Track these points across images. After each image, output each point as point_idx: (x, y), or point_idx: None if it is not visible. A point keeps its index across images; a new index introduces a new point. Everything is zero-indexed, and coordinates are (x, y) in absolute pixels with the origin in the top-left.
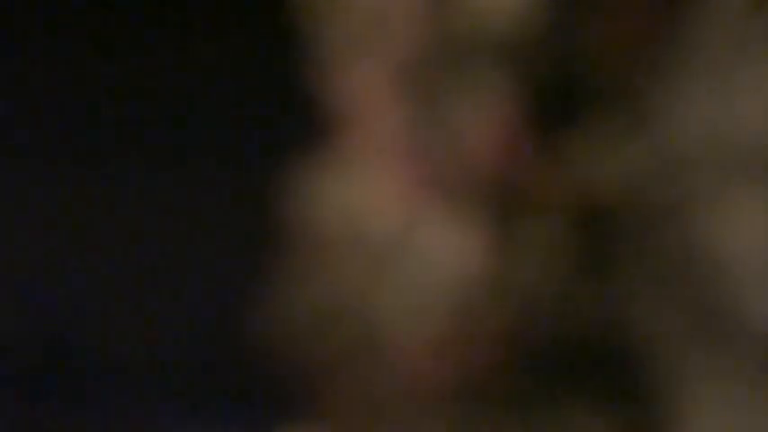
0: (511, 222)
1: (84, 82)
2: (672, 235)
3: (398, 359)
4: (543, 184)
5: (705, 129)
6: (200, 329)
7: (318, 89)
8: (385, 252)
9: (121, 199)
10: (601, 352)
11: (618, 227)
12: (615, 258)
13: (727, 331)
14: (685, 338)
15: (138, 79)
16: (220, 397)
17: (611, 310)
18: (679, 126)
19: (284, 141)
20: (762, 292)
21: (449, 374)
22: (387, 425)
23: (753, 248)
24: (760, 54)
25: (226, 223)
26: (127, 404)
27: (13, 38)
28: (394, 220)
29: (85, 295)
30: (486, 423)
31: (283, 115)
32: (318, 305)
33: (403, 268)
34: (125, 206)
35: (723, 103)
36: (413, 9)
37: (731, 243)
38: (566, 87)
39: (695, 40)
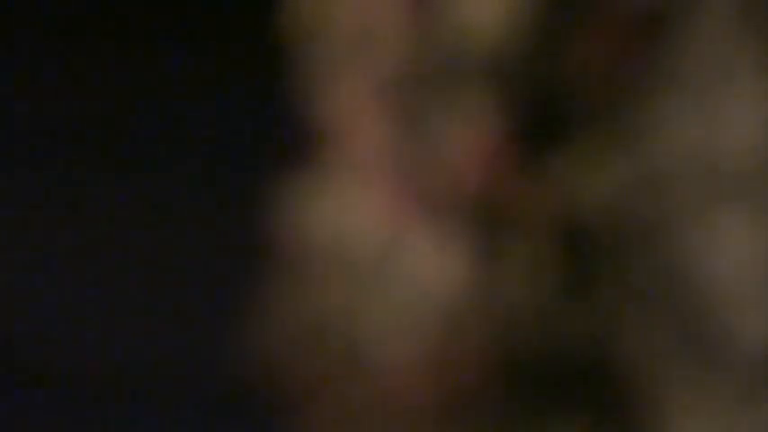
0: (495, 240)
1: (69, 95)
2: (655, 253)
3: (383, 376)
4: (527, 202)
5: (688, 147)
6: (183, 344)
7: (305, 106)
8: (370, 269)
9: (110, 209)
10: (585, 369)
11: (601, 244)
12: (599, 276)
13: (712, 348)
14: (670, 355)
15: (127, 94)
16: (204, 411)
17: (595, 328)
18: (662, 144)
19: (271, 158)
20: (746, 309)
21: (433, 392)
22: None
23: (737, 266)
24: (742, 73)
25: (211, 238)
26: (110, 416)
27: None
28: (379, 237)
29: (58, 306)
30: None
31: (270, 132)
32: (303, 321)
33: (388, 285)
34: (112, 215)
35: (706, 122)
36: (398, 27)
37: (715, 261)
38: (549, 105)
39: (678, 59)
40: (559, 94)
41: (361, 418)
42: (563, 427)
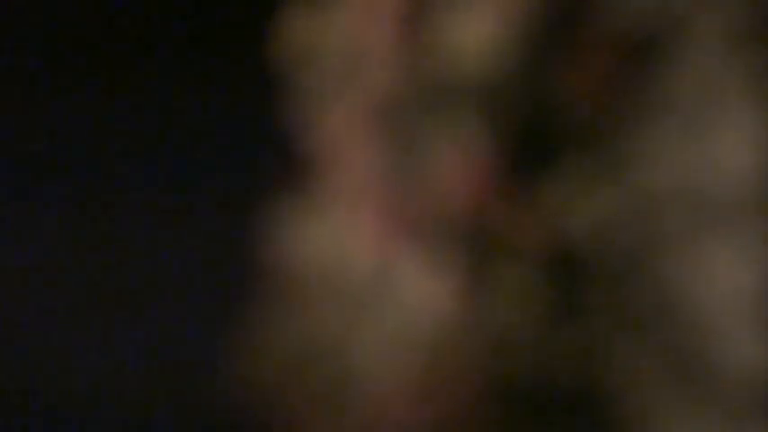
0: (484, 265)
1: (52, 122)
2: (644, 279)
3: (373, 402)
4: (516, 227)
5: (677, 174)
6: (172, 371)
7: (296, 132)
8: (360, 294)
9: (99, 235)
10: (574, 394)
11: (590, 271)
12: (588, 302)
13: (700, 375)
14: (658, 382)
15: (114, 119)
16: None
17: (583, 354)
18: (651, 171)
19: (261, 184)
20: (733, 337)
21: (423, 417)
22: None
23: (725, 293)
24: (731, 100)
25: (201, 264)
26: None
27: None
28: (370, 262)
29: (45, 332)
30: None
31: (260, 158)
32: (293, 346)
33: (378, 309)
34: (101, 241)
35: (695, 149)
36: (388, 53)
37: (703, 288)
38: (538, 130)
39: (667, 86)
40: (548, 120)
41: None
42: None
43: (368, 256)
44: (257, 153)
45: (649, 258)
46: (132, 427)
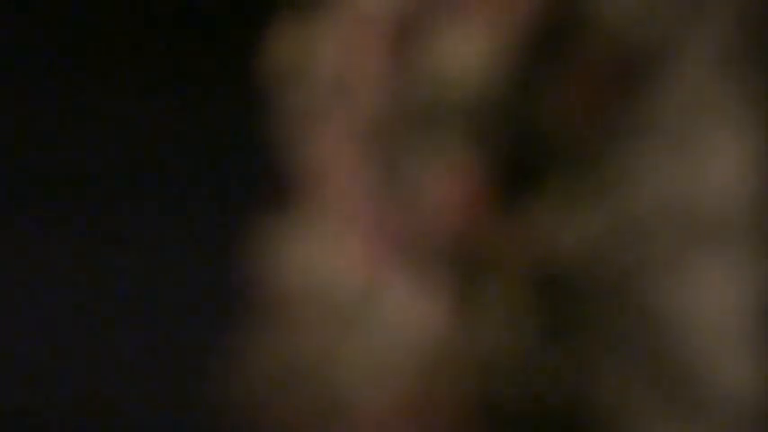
0: (473, 285)
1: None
2: (632, 298)
3: (361, 421)
4: (504, 247)
5: (665, 193)
6: (161, 388)
7: (284, 151)
8: (348, 313)
9: (89, 252)
10: (562, 414)
11: (579, 289)
12: (576, 321)
13: (689, 393)
14: (646, 400)
15: (102, 135)
16: None
17: (572, 373)
18: (640, 190)
19: (250, 202)
20: (722, 354)
21: None
22: None
23: (713, 312)
24: (719, 119)
25: (190, 281)
26: None
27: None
28: (357, 282)
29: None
30: None
31: (248, 176)
32: (281, 365)
33: (366, 329)
34: (90, 260)
35: (683, 168)
36: (377, 72)
37: (693, 306)
38: (526, 151)
39: (655, 106)
40: (537, 140)
41: None
42: None
43: (356, 276)
44: (248, 171)
45: (637, 278)
46: None
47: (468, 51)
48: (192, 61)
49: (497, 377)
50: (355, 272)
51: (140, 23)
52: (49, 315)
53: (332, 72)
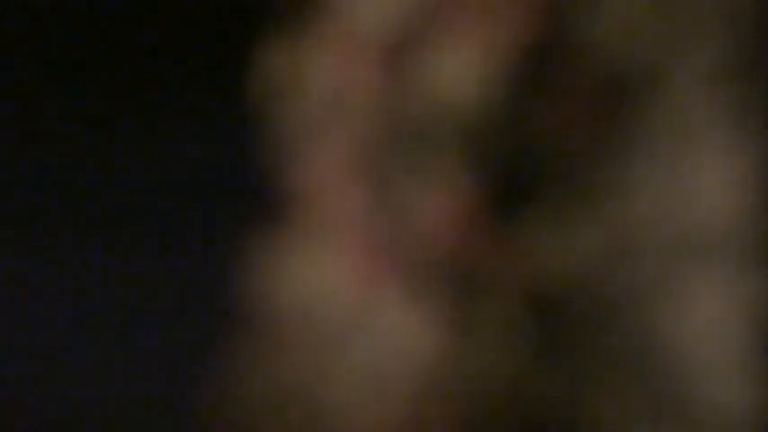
0: (466, 304)
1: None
2: (626, 318)
3: None
4: (498, 266)
5: (658, 212)
6: (152, 408)
7: (278, 169)
8: (340, 332)
9: (82, 276)
10: None
11: (573, 310)
12: (571, 341)
13: (683, 412)
14: (640, 420)
15: (98, 156)
16: None
17: (566, 392)
18: (632, 209)
19: (243, 220)
20: (715, 374)
21: None
22: None
23: (707, 331)
24: (711, 138)
25: (181, 300)
26: None
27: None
28: (350, 300)
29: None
30: None
31: (242, 194)
32: (273, 384)
33: (358, 348)
34: (80, 274)
35: (675, 187)
36: (372, 91)
37: (686, 324)
38: (520, 171)
39: (647, 125)
40: (530, 160)
41: None
42: None
43: (350, 293)
44: (241, 191)
45: (630, 297)
46: None
47: (461, 71)
48: (184, 83)
49: (490, 397)
50: (348, 290)
51: (137, 42)
52: (49, 321)
53: (325, 89)
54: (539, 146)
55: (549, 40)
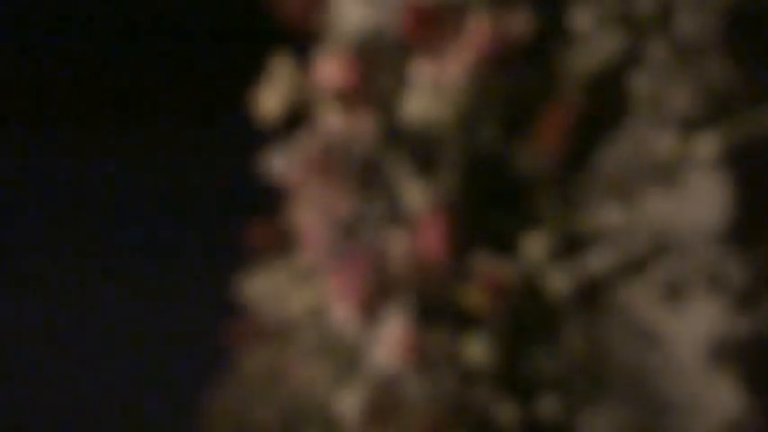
0: (446, 314)
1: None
2: (610, 326)
3: None
4: (474, 282)
5: (649, 228)
6: (155, 419)
7: (278, 191)
8: (339, 353)
9: (82, 295)
10: None
11: (558, 320)
12: (555, 350)
13: (674, 426)
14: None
15: (99, 177)
16: None
17: (550, 405)
18: (626, 225)
19: (245, 242)
20: (706, 386)
21: None
22: None
23: (697, 340)
24: (703, 157)
25: (188, 321)
26: None
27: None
28: (335, 318)
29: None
30: None
31: (243, 217)
32: (279, 404)
33: (354, 370)
34: (85, 303)
35: (668, 203)
36: (352, 108)
37: (675, 335)
38: (493, 185)
39: (638, 144)
40: (508, 178)
41: None
42: None
43: (334, 312)
44: (241, 212)
45: (620, 307)
46: None
47: (437, 91)
48: (184, 105)
49: (468, 412)
50: (332, 308)
51: (138, 70)
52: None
53: (319, 108)
54: (520, 164)
55: (520, 51)
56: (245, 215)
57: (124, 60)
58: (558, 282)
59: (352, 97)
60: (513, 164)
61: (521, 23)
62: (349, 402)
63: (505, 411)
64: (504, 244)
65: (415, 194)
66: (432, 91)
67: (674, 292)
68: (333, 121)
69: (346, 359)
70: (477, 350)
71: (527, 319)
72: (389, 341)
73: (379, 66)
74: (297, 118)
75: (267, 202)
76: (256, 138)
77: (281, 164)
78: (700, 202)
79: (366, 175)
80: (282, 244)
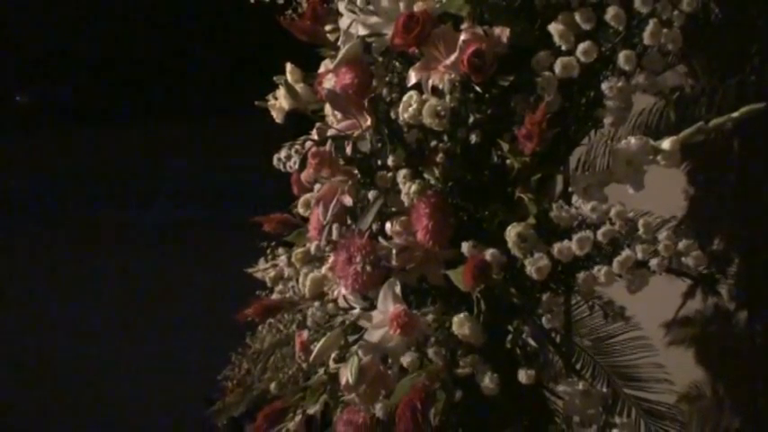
0: (439, 299)
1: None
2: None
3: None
4: (463, 268)
5: (623, 214)
6: (159, 404)
7: (287, 184)
8: (325, 329)
9: (83, 298)
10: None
11: (530, 299)
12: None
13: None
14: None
15: (100, 181)
16: None
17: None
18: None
19: (253, 236)
20: (666, 356)
21: None
22: None
23: (659, 316)
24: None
25: (192, 312)
26: None
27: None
28: (344, 296)
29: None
30: None
31: (254, 209)
32: (287, 373)
33: (354, 338)
34: (88, 305)
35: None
36: (358, 109)
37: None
38: (478, 178)
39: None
40: (497, 170)
41: None
42: None
43: (333, 295)
44: (252, 206)
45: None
46: None
47: (429, 94)
48: (195, 105)
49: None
50: (334, 288)
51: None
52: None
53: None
54: (502, 165)
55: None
56: (258, 205)
57: (152, 61)
58: (536, 264)
59: (353, 99)
60: (496, 159)
61: (504, 33)
62: (348, 370)
63: (489, 380)
64: (489, 231)
65: (409, 186)
66: (424, 94)
67: (639, 273)
68: (336, 120)
69: (346, 333)
70: (464, 325)
71: (508, 297)
72: (384, 317)
73: (377, 71)
74: (304, 117)
75: (278, 193)
76: (269, 135)
77: (290, 159)
78: (660, 193)
79: (365, 169)
80: (291, 231)
